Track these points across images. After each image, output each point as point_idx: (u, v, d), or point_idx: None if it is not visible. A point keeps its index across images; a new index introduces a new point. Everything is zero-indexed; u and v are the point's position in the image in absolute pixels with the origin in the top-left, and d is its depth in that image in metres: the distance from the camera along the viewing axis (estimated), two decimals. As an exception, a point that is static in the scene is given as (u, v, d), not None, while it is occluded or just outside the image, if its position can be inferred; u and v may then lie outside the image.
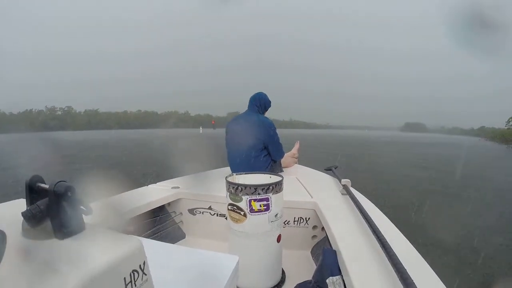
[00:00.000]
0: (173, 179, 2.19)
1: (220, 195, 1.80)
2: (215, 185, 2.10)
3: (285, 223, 1.74)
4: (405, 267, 0.83)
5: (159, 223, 1.82)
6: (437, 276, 0.90)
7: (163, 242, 1.11)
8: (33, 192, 0.58)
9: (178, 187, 1.98)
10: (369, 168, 8.83)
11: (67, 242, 0.52)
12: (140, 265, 0.53)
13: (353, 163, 10.11)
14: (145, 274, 0.54)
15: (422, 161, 12.00)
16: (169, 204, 1.90)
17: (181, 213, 1.96)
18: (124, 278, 0.50)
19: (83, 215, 0.56)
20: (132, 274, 0.51)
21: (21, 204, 0.67)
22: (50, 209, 0.52)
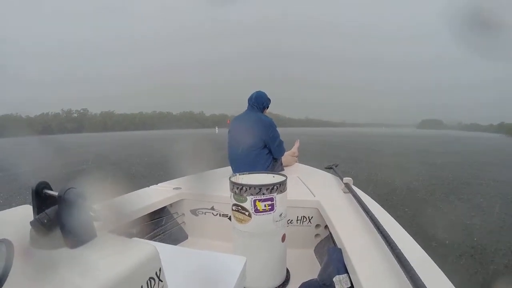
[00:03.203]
0: (175, 180, 2.18)
1: (222, 195, 1.79)
2: (217, 185, 2.09)
3: (288, 222, 1.74)
4: (411, 265, 0.83)
5: (162, 225, 1.81)
6: (443, 274, 0.90)
7: (167, 244, 1.10)
8: (39, 198, 0.57)
9: (180, 188, 1.96)
10: (373, 167, 8.77)
11: (79, 251, 0.51)
12: (156, 272, 0.52)
13: (356, 161, 10.08)
14: (161, 281, 0.53)
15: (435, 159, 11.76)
16: (171, 205, 1.89)
17: (183, 214, 1.95)
18: (141, 286, 0.49)
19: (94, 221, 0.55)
20: (149, 281, 0.50)
21: (26, 211, 0.66)
22: (60, 217, 0.51)
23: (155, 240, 1.67)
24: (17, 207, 0.72)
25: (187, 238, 1.93)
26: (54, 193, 0.55)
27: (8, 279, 0.43)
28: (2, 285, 0.42)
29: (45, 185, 0.58)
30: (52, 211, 0.52)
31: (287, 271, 1.50)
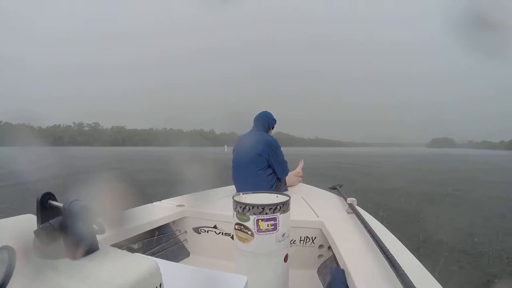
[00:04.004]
0: (178, 197, 2.18)
1: (225, 214, 1.78)
2: (220, 203, 2.08)
3: (291, 242, 1.72)
4: (416, 287, 0.81)
5: (163, 241, 1.79)
6: None
7: (169, 261, 1.09)
8: (44, 209, 0.58)
9: (183, 205, 1.96)
10: (379, 188, 8.75)
11: (81, 262, 0.51)
12: (156, 287, 0.52)
13: (361, 182, 10.05)
14: None
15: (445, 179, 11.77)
16: (173, 222, 1.88)
17: (185, 232, 1.94)
18: None
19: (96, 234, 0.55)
20: None
21: (29, 220, 0.66)
22: (63, 227, 0.52)
23: (156, 257, 1.66)
24: (20, 215, 0.73)
25: (188, 255, 1.91)
26: (59, 204, 0.56)
27: (9, 286, 0.43)
28: None
29: (50, 196, 0.59)
30: (56, 221, 0.53)
31: None
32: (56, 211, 0.56)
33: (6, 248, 0.47)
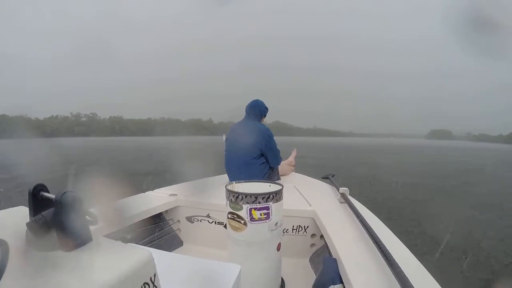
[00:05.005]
0: (171, 186, 2.17)
1: (218, 203, 1.79)
2: (213, 192, 2.09)
3: (284, 231, 1.74)
4: (406, 276, 0.83)
5: (156, 231, 1.80)
6: (438, 285, 0.91)
7: (162, 251, 1.09)
8: (36, 200, 0.57)
9: (175, 195, 1.96)
10: (372, 178, 8.83)
11: (75, 254, 0.51)
12: (151, 278, 0.52)
13: (353, 171, 10.13)
14: (156, 287, 0.53)
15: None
16: (166, 211, 1.88)
17: (178, 221, 1.94)
18: None
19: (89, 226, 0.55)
20: (143, 286, 0.50)
21: (21, 212, 0.65)
22: (56, 219, 0.51)
23: (149, 246, 1.66)
24: (12, 208, 0.72)
25: (182, 245, 1.92)
26: (51, 195, 0.55)
27: (3, 279, 0.43)
28: None
29: (42, 188, 0.58)
30: (49, 213, 0.52)
31: (282, 280, 1.49)
32: (48, 202, 0.55)
33: None
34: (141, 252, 0.53)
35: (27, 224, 0.51)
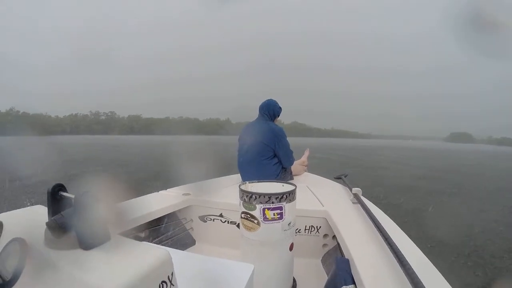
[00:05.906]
0: (184, 186, 2.19)
1: (231, 203, 1.79)
2: (226, 192, 2.09)
3: (296, 231, 1.73)
4: (419, 277, 0.82)
5: (170, 230, 1.82)
6: (450, 286, 0.89)
7: (175, 249, 1.11)
8: (55, 200, 0.58)
9: (189, 194, 1.98)
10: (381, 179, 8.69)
11: (94, 252, 0.52)
12: (168, 276, 0.53)
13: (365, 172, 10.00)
14: (173, 285, 0.54)
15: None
16: (179, 210, 1.90)
17: (191, 220, 1.96)
18: None
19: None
20: (161, 285, 0.51)
21: (40, 211, 0.67)
22: (75, 218, 0.52)
23: (163, 245, 1.68)
24: (31, 206, 0.73)
25: (194, 244, 1.93)
26: (71, 195, 0.56)
27: (21, 277, 0.44)
28: (15, 283, 0.43)
29: (61, 187, 0.59)
30: (68, 213, 0.53)
31: (294, 280, 1.49)
32: (67, 202, 0.57)
33: (17, 240, 0.47)
34: (159, 251, 0.54)
35: (46, 223, 0.53)
